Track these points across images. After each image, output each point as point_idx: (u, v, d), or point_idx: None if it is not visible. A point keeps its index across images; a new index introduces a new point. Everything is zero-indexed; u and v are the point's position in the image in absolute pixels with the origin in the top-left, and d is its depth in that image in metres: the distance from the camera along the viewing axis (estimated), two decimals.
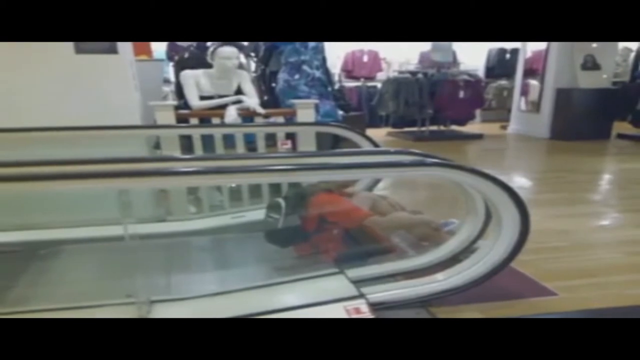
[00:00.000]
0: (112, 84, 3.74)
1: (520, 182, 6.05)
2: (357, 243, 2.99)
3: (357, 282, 2.49)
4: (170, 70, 6.55)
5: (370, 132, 5.30)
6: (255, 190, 4.05)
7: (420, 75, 9.49)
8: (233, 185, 4.04)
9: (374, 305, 2.26)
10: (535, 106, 9.65)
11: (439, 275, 2.54)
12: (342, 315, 2.18)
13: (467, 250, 2.71)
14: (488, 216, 2.69)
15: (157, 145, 4.01)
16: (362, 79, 10.90)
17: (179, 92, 4.53)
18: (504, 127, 10.59)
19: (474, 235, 2.71)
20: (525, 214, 2.35)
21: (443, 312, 2.51)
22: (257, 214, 3.49)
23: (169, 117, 3.92)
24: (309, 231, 3.08)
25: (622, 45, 10.50)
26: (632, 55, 11.20)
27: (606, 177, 6.73)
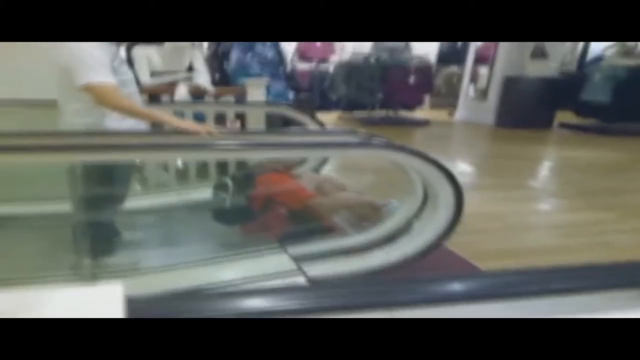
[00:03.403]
0: None
1: (461, 167, 6.25)
2: (301, 222, 3.06)
3: (298, 259, 2.56)
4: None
5: (322, 115, 5.38)
6: (202, 171, 4.06)
7: (372, 60, 9.57)
8: (179, 164, 4.04)
9: (312, 280, 2.35)
10: (483, 93, 9.87)
11: (376, 253, 2.65)
12: None
13: (404, 230, 2.81)
14: (426, 198, 2.81)
15: None
16: (314, 61, 10.87)
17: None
18: (451, 114, 10.79)
19: (411, 215, 2.81)
20: (460, 195, 2.46)
21: None
22: (204, 193, 3.52)
23: None
24: (256, 210, 3.13)
25: None
26: (580, 45, 11.51)
27: (546, 164, 7.02)
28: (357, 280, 2.41)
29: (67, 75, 2.37)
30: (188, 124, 2.52)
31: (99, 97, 2.36)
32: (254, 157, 3.23)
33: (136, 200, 3.70)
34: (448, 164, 2.44)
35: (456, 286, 0.96)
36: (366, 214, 3.12)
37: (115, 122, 2.53)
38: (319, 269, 2.51)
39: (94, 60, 2.34)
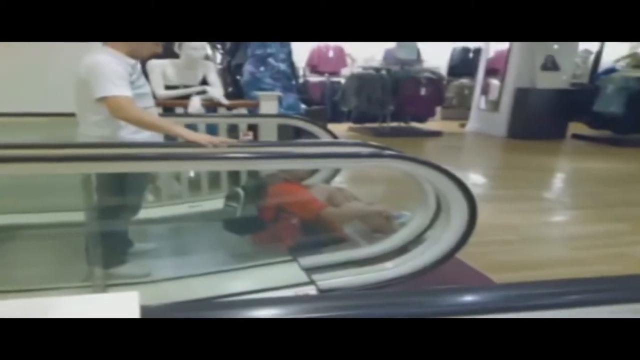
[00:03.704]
0: None
1: (474, 178, 6.22)
2: (312, 233, 3.06)
3: (309, 270, 2.56)
4: None
5: (332, 127, 5.38)
6: (214, 182, 4.08)
7: (383, 72, 9.60)
8: (192, 174, 4.06)
9: (323, 292, 2.34)
10: (495, 105, 9.85)
11: (388, 264, 2.63)
12: None
13: (416, 241, 2.80)
14: (439, 209, 2.79)
15: None
16: (326, 74, 10.90)
17: None
18: (463, 125, 10.77)
19: (424, 226, 2.80)
20: (473, 205, 2.44)
21: None
22: (216, 203, 3.53)
23: None
24: (267, 220, 3.14)
25: (582, 47, 10.75)
26: (592, 57, 11.49)
27: (559, 175, 6.97)
28: (369, 292, 2.41)
29: (85, 87, 2.41)
30: (196, 135, 2.54)
31: (113, 109, 2.40)
32: (266, 167, 3.24)
33: (148, 211, 3.72)
34: (460, 175, 2.43)
35: (468, 298, 0.95)
36: (378, 225, 3.11)
37: (130, 134, 2.56)
38: (330, 280, 2.51)
39: (112, 74, 2.39)
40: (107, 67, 2.38)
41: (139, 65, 2.69)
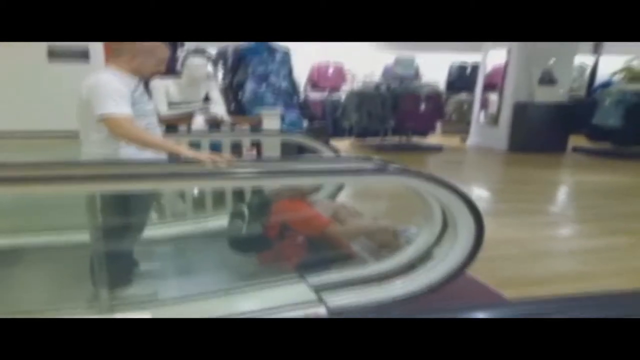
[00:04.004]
0: None
1: (477, 192, 6.20)
2: (318, 250, 3.04)
3: (318, 288, 2.53)
4: None
5: (334, 142, 5.39)
6: (218, 200, 4.06)
7: (382, 88, 9.65)
8: (195, 193, 4.05)
9: (333, 311, 2.31)
10: (494, 119, 9.89)
11: (397, 282, 2.61)
12: None
13: (424, 258, 2.78)
14: (445, 224, 2.77)
15: None
16: (327, 90, 10.96)
17: None
18: (464, 140, 10.81)
19: (431, 243, 2.78)
20: (480, 222, 2.43)
21: None
22: (220, 221, 3.51)
23: None
24: (272, 238, 3.11)
25: (578, 61, 10.81)
26: (588, 70, 11.57)
27: (561, 188, 6.96)
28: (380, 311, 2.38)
29: (87, 107, 2.41)
30: (195, 153, 2.52)
31: (112, 127, 2.40)
32: (270, 184, 3.23)
33: (153, 230, 3.70)
34: (464, 189, 2.42)
35: (480, 314, 0.94)
36: (385, 241, 3.09)
37: (133, 153, 2.55)
38: (339, 299, 2.48)
39: (114, 92, 2.39)
40: (108, 86, 2.39)
41: (141, 84, 2.69)
